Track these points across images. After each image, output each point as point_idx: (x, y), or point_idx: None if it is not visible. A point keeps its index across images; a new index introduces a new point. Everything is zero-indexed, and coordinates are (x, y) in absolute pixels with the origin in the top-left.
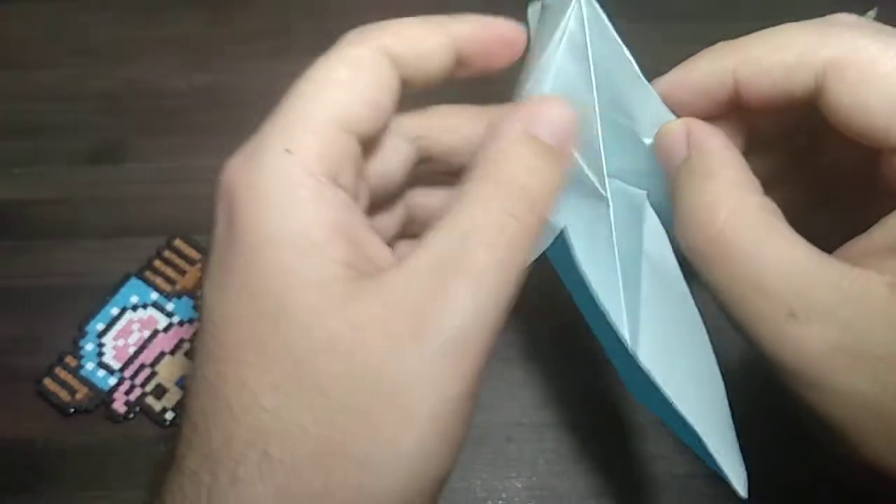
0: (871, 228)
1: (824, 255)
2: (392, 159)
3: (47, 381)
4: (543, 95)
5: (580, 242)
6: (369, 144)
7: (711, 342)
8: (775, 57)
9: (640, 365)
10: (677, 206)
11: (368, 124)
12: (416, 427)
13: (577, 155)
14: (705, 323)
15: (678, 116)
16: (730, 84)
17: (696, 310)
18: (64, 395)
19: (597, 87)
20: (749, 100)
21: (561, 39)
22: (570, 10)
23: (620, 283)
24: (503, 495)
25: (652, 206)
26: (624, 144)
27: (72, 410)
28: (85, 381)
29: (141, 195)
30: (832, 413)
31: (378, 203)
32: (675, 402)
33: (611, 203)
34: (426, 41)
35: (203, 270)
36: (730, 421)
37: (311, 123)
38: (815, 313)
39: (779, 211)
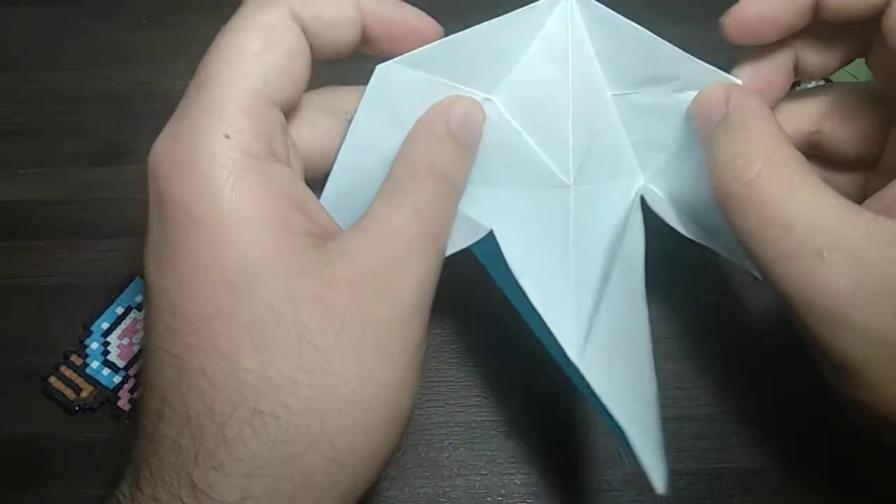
0: (894, 182)
1: (851, 203)
2: (323, 135)
3: (53, 380)
4: (457, 95)
5: (517, 237)
6: (293, 116)
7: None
8: None
9: (578, 367)
10: (714, 157)
11: (288, 94)
12: (395, 364)
13: (537, 147)
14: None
15: (717, 67)
16: None
17: (647, 316)
18: (69, 393)
19: (606, 79)
20: (827, 13)
21: (533, 41)
22: (552, 13)
23: (573, 273)
24: (502, 491)
25: (674, 174)
26: (647, 120)
27: (77, 408)
28: (90, 380)
29: (146, 196)
30: (851, 351)
31: (311, 174)
32: (608, 403)
33: (572, 190)
34: (334, 11)
35: (145, 254)
36: (657, 422)
37: (240, 102)
38: (841, 253)
39: (808, 163)
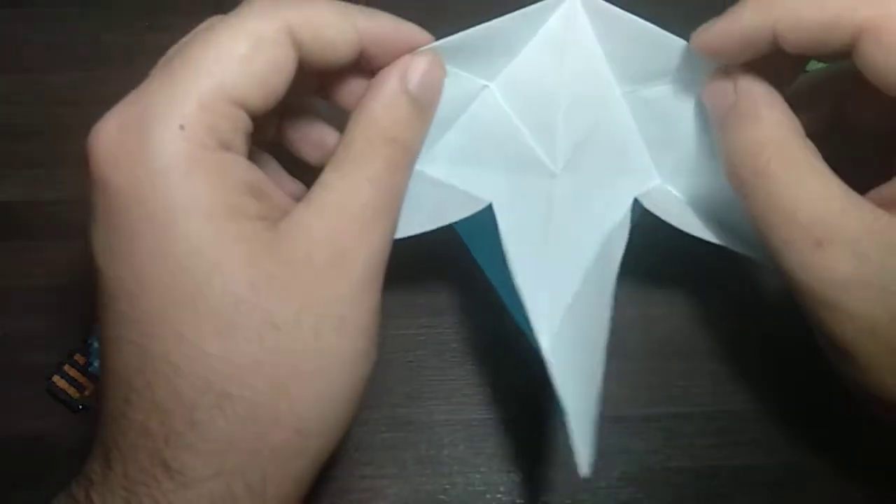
0: (894, 179)
1: (853, 195)
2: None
3: (56, 379)
4: (417, 51)
5: (506, 218)
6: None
7: None
8: (814, 13)
9: (544, 353)
10: (726, 144)
11: (259, 104)
12: (353, 336)
13: (528, 135)
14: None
15: (718, 63)
16: (770, 34)
17: (609, 315)
18: (73, 391)
19: (616, 77)
20: (788, 50)
21: (535, 36)
22: (556, 11)
23: (552, 260)
24: (501, 488)
25: (691, 168)
26: (660, 114)
27: (81, 407)
28: (94, 378)
29: None
30: (845, 335)
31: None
32: (559, 388)
33: (559, 178)
34: (332, 32)
35: (93, 241)
36: (596, 413)
37: (203, 98)
38: (839, 244)
39: (818, 152)
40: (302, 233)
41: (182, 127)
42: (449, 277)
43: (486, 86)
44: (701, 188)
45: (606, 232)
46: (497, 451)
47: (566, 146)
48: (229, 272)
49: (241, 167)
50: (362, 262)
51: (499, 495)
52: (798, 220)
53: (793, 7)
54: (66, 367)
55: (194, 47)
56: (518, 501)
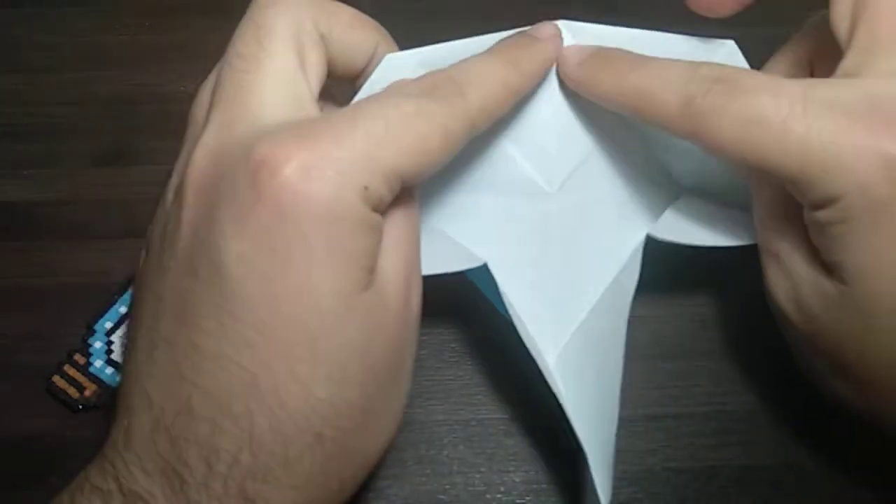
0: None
1: (809, 240)
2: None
3: (56, 379)
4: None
5: (502, 249)
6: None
7: None
8: (654, 106)
9: (551, 386)
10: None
11: (417, 182)
12: (409, 370)
13: (519, 157)
14: None
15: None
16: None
17: (624, 341)
18: (73, 392)
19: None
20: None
21: None
22: None
23: (553, 282)
24: (501, 489)
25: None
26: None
27: (80, 407)
28: (94, 379)
29: (149, 197)
30: (798, 348)
31: None
32: (572, 418)
33: (555, 198)
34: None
35: (232, 252)
36: (613, 443)
37: (385, 173)
38: (783, 267)
39: None
40: (386, 284)
41: (367, 188)
42: (448, 278)
43: None
44: (724, 186)
45: (616, 265)
46: (497, 451)
47: (562, 169)
48: (352, 323)
49: (380, 223)
50: (419, 297)
51: (499, 495)
52: (773, 236)
53: (636, 83)
54: (66, 367)
55: (375, 109)
56: (518, 501)
